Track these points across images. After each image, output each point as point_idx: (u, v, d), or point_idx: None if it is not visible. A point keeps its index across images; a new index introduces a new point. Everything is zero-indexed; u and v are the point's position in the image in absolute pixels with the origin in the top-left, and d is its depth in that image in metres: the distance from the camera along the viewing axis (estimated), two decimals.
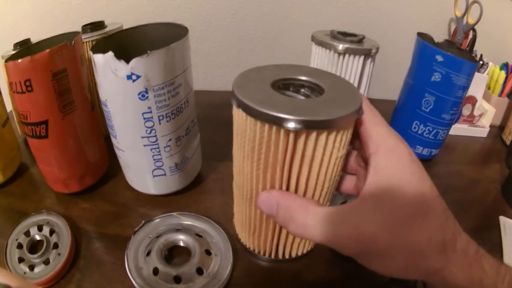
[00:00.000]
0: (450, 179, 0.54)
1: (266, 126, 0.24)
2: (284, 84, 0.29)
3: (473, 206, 0.49)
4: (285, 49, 0.72)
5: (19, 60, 0.36)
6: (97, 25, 0.49)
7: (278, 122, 0.23)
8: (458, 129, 0.63)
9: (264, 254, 0.37)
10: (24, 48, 0.43)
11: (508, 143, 0.60)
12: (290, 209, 0.26)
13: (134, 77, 0.34)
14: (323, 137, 0.24)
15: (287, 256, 0.37)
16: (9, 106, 0.49)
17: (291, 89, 0.30)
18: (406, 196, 0.22)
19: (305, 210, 0.25)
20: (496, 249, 0.41)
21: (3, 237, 0.39)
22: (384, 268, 0.23)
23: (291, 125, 0.23)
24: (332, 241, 0.23)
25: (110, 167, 0.48)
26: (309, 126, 0.23)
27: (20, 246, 0.38)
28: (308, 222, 0.24)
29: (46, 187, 0.45)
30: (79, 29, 0.50)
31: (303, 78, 0.29)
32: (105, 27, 0.50)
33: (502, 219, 0.46)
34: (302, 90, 0.30)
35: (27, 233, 0.39)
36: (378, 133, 0.25)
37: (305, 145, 0.25)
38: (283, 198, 0.27)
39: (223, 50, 0.71)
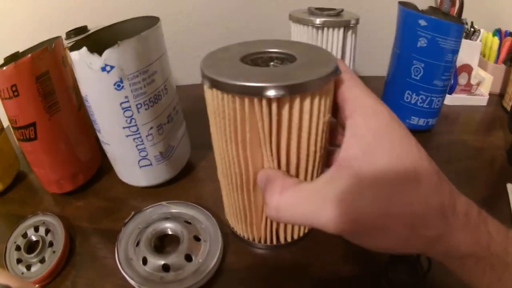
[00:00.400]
0: (453, 149, 0.52)
1: (246, 100, 0.22)
2: (253, 60, 0.28)
3: (479, 175, 0.46)
4: (271, 35, 0.70)
5: (5, 68, 0.37)
6: (80, 30, 0.50)
7: (259, 93, 0.21)
8: (457, 99, 0.61)
9: (260, 241, 0.35)
10: (11, 59, 0.44)
11: (509, 109, 0.57)
12: (269, 181, 0.24)
13: (108, 68, 0.34)
14: (307, 102, 0.22)
15: (282, 241, 0.35)
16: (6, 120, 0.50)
17: (260, 63, 0.28)
18: (392, 161, 0.19)
19: (279, 188, 0.22)
20: (506, 219, 0.39)
21: (3, 242, 0.39)
22: (382, 243, 0.20)
23: (272, 92, 0.21)
24: (316, 223, 0.20)
25: (103, 164, 0.49)
26: (292, 91, 0.21)
27: (18, 248, 0.38)
28: (282, 201, 0.22)
29: (43, 191, 0.46)
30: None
31: (272, 50, 0.28)
32: (88, 30, 0.51)
33: (510, 186, 0.43)
34: (272, 63, 0.28)
35: (24, 235, 0.39)
36: (354, 95, 0.22)
37: (290, 114, 0.23)
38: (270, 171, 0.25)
39: (208, 41, 0.71)
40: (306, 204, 0.20)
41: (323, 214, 0.19)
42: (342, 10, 0.46)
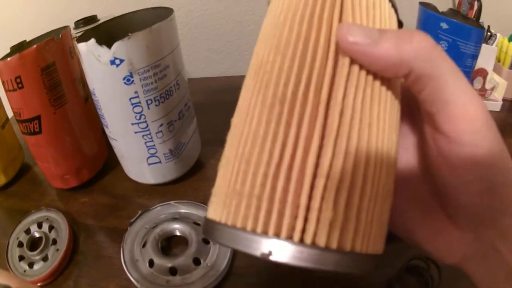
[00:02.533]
0: None
1: None
2: None
3: None
4: None
5: (9, 59, 0.35)
6: (89, 19, 0.47)
7: None
8: None
9: (289, 238, 0.14)
10: (18, 48, 0.41)
11: None
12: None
13: (117, 61, 0.31)
14: None
15: (334, 245, 0.14)
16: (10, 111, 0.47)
17: None
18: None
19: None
20: None
21: (5, 237, 0.37)
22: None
23: None
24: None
25: (109, 159, 0.46)
26: None
27: (20, 244, 0.37)
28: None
29: (47, 185, 0.43)
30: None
31: None
32: (98, 20, 0.48)
33: None
34: None
35: (27, 231, 0.37)
36: (444, 82, 0.13)
37: None
38: None
39: (222, 34, 0.68)
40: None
41: None
42: None
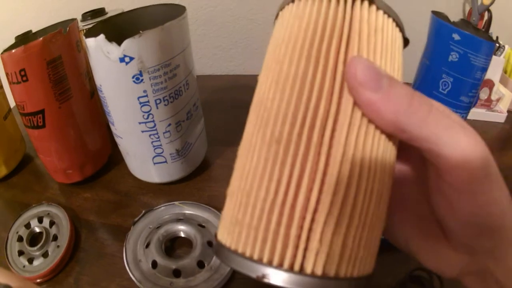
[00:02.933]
0: None
1: None
2: None
3: None
4: None
5: (13, 50, 0.34)
6: (97, 12, 0.46)
7: None
8: (476, 113, 0.58)
9: (278, 264, 0.14)
10: (23, 39, 0.40)
11: None
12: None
13: (127, 59, 0.30)
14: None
15: (319, 271, 0.14)
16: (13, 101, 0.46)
17: None
18: None
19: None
20: None
21: (4, 230, 0.36)
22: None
23: None
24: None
25: (113, 155, 0.45)
26: None
27: (20, 239, 0.36)
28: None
29: (49, 178, 0.43)
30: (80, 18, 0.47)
31: None
32: (106, 13, 0.47)
33: None
34: None
35: (27, 226, 0.37)
36: (441, 134, 0.14)
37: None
38: None
39: (232, 32, 0.67)
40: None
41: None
42: None
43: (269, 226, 0.14)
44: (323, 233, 0.13)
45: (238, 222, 0.14)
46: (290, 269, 0.13)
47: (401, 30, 0.16)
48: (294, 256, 0.13)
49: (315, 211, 0.13)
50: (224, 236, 0.15)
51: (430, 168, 0.16)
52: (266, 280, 0.13)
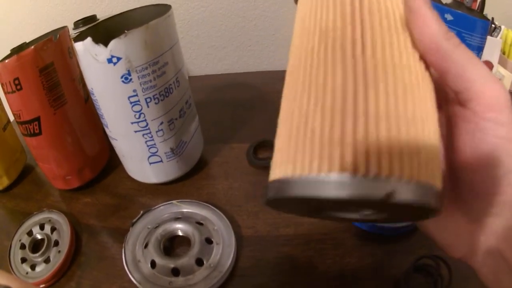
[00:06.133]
0: None
1: None
2: None
3: None
4: (290, 24, 0.65)
5: (7, 61, 0.34)
6: (88, 19, 0.46)
7: None
8: None
9: (339, 172, 0.13)
10: (18, 51, 0.40)
11: None
12: None
13: (114, 59, 0.30)
14: None
15: (406, 175, 0.13)
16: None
17: None
18: None
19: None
20: None
21: (7, 239, 0.36)
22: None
23: None
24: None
25: (111, 159, 0.45)
26: None
27: (23, 246, 0.36)
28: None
29: (50, 186, 0.42)
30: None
31: None
32: (97, 20, 0.47)
33: None
34: None
35: (29, 233, 0.36)
36: (469, 63, 0.15)
37: None
38: None
39: (224, 31, 0.67)
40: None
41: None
42: None
43: (356, 138, 0.12)
44: (383, 134, 0.13)
45: (334, 142, 0.13)
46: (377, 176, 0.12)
47: None
48: (381, 163, 0.12)
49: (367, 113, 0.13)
50: (284, 168, 0.14)
51: (454, 103, 0.16)
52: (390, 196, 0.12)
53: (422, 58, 0.16)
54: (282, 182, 0.13)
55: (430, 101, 0.15)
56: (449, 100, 0.17)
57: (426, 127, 0.14)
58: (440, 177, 0.14)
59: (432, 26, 0.15)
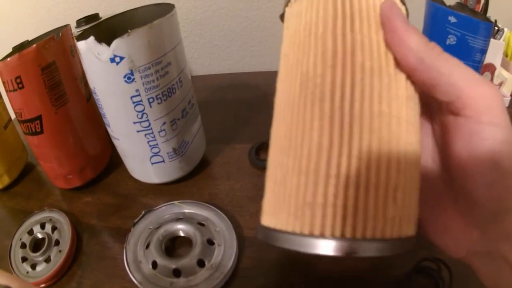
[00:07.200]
0: None
1: None
2: None
3: None
4: None
5: (8, 59, 0.34)
6: (91, 18, 0.46)
7: None
8: None
9: (309, 233, 0.14)
10: (20, 49, 0.40)
11: None
12: None
13: (117, 59, 0.30)
14: None
15: (369, 234, 0.14)
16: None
17: None
18: None
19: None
20: None
21: (8, 238, 0.36)
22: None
23: None
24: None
25: (113, 158, 0.44)
26: None
27: (23, 245, 0.35)
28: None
29: (51, 185, 0.42)
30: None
31: None
32: (100, 18, 0.47)
33: None
34: None
35: (30, 232, 0.36)
36: (455, 70, 0.15)
37: None
38: None
39: (227, 30, 0.66)
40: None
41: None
42: None
43: (335, 201, 0.14)
44: (351, 197, 0.14)
45: (307, 203, 0.14)
46: (353, 237, 0.13)
47: (403, 3, 0.17)
48: (346, 225, 0.13)
49: (347, 178, 0.14)
50: (269, 219, 0.15)
51: (448, 114, 0.16)
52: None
53: (410, 78, 0.16)
54: (269, 231, 0.15)
55: (411, 149, 0.15)
56: (441, 110, 0.16)
57: (400, 184, 0.14)
58: (414, 222, 0.15)
59: (412, 43, 0.15)
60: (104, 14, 0.48)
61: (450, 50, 0.44)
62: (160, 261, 0.30)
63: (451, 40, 0.41)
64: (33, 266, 0.33)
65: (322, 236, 0.13)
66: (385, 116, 0.14)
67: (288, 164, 0.15)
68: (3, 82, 0.35)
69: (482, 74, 0.55)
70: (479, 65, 0.43)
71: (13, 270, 0.33)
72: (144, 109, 0.32)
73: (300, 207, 0.14)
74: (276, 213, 0.15)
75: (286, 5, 0.18)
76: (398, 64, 0.15)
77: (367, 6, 0.15)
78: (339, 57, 0.14)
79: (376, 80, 0.14)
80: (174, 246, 0.33)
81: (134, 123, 0.33)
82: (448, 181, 0.17)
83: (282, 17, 0.19)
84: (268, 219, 0.16)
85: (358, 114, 0.14)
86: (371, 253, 0.13)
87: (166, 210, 0.36)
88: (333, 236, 0.13)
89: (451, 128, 0.16)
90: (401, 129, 0.15)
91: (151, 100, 0.32)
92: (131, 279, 0.30)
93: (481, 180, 0.15)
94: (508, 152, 0.14)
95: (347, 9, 0.15)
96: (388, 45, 0.15)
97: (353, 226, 0.13)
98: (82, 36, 0.31)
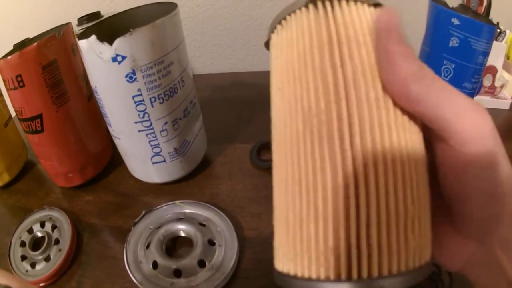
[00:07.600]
0: None
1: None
2: None
3: None
4: None
5: (9, 57, 0.34)
6: (92, 16, 0.45)
7: None
8: (480, 101, 0.55)
9: (336, 278, 0.14)
10: (20, 47, 0.40)
11: None
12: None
13: (119, 58, 0.29)
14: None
15: (394, 269, 0.14)
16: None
17: None
18: None
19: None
20: None
21: (7, 236, 0.36)
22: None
23: None
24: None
25: (114, 157, 0.44)
26: None
27: (23, 244, 0.35)
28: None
29: (52, 183, 0.42)
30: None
31: None
32: (101, 17, 0.46)
33: None
34: None
35: (30, 231, 0.36)
36: (444, 107, 0.14)
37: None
38: None
39: (229, 29, 0.66)
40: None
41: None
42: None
43: (349, 243, 0.13)
44: (374, 236, 0.13)
45: (319, 249, 0.14)
46: (360, 278, 0.13)
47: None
48: (371, 264, 0.13)
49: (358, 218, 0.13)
50: (285, 264, 0.15)
51: (438, 144, 0.15)
52: None
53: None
54: (287, 277, 0.15)
55: (422, 178, 0.15)
56: (434, 134, 0.16)
57: (416, 214, 0.14)
58: (429, 246, 0.15)
59: (401, 72, 0.14)
60: (106, 12, 0.48)
61: (453, 52, 0.44)
62: (161, 261, 0.30)
63: (454, 42, 0.41)
64: (33, 265, 0.33)
65: (348, 279, 0.13)
66: (395, 147, 0.14)
67: (302, 208, 0.14)
68: (4, 80, 0.35)
69: (483, 76, 0.54)
70: (481, 68, 0.42)
71: (13, 269, 0.33)
72: (145, 109, 0.32)
73: (322, 253, 0.14)
74: (295, 259, 0.14)
75: (272, 31, 0.17)
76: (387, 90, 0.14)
77: (361, 28, 0.14)
78: (342, 90, 0.14)
79: (383, 111, 0.14)
80: (174, 246, 0.33)
81: (136, 122, 0.33)
82: (441, 200, 0.17)
83: (267, 44, 0.17)
84: (285, 264, 0.15)
85: (370, 149, 0.13)
86: (398, 286, 0.13)
87: (167, 210, 0.35)
88: (359, 277, 0.13)
89: (442, 153, 0.15)
90: (411, 159, 0.14)
91: (152, 99, 0.32)
92: (131, 279, 0.30)
93: (469, 204, 0.15)
94: (495, 180, 0.14)
95: (342, 35, 0.14)
96: (378, 68, 0.14)
97: (378, 264, 0.13)
98: (84, 35, 0.31)
